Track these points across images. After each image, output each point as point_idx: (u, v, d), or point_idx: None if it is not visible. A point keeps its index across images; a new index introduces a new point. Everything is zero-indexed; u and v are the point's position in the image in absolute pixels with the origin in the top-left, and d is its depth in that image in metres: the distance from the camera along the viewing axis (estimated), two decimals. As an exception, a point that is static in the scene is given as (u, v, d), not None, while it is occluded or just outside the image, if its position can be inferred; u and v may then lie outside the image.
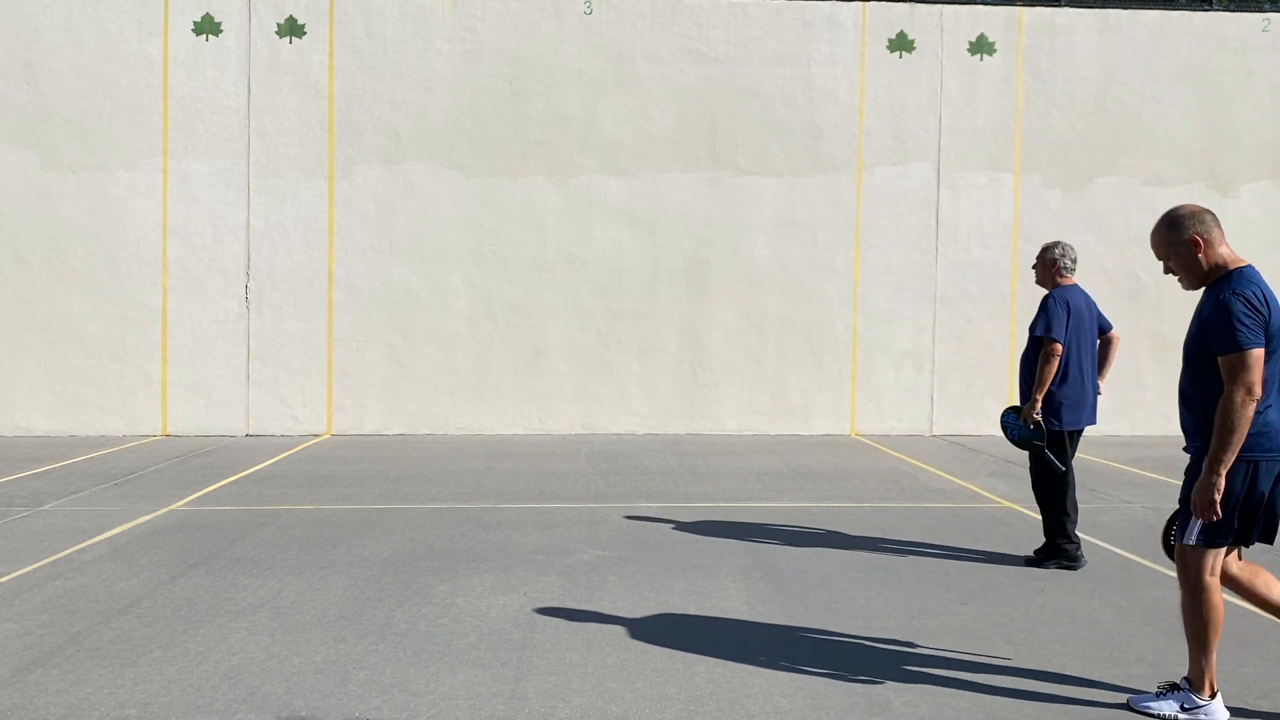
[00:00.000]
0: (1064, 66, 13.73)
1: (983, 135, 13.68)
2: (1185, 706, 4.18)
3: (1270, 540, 4.19)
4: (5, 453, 11.30)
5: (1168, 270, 4.26)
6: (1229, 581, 4.27)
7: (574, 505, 8.56)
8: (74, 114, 12.79)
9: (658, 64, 13.38)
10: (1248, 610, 5.71)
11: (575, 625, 5.33)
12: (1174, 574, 6.47)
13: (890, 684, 4.55)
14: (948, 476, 10.32)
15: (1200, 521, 4.07)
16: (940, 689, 4.50)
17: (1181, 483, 4.25)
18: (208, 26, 12.94)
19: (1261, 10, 14.09)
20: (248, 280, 13.02)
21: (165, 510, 8.24)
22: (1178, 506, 4.26)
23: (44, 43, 12.76)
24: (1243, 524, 4.11)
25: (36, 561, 6.54)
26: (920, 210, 13.63)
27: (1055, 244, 6.69)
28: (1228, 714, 4.19)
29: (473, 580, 6.19)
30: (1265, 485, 4.07)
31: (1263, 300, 4.01)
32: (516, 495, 9.03)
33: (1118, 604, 5.83)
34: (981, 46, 13.65)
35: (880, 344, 13.63)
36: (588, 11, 13.32)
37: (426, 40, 13.17)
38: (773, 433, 13.51)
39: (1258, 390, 3.94)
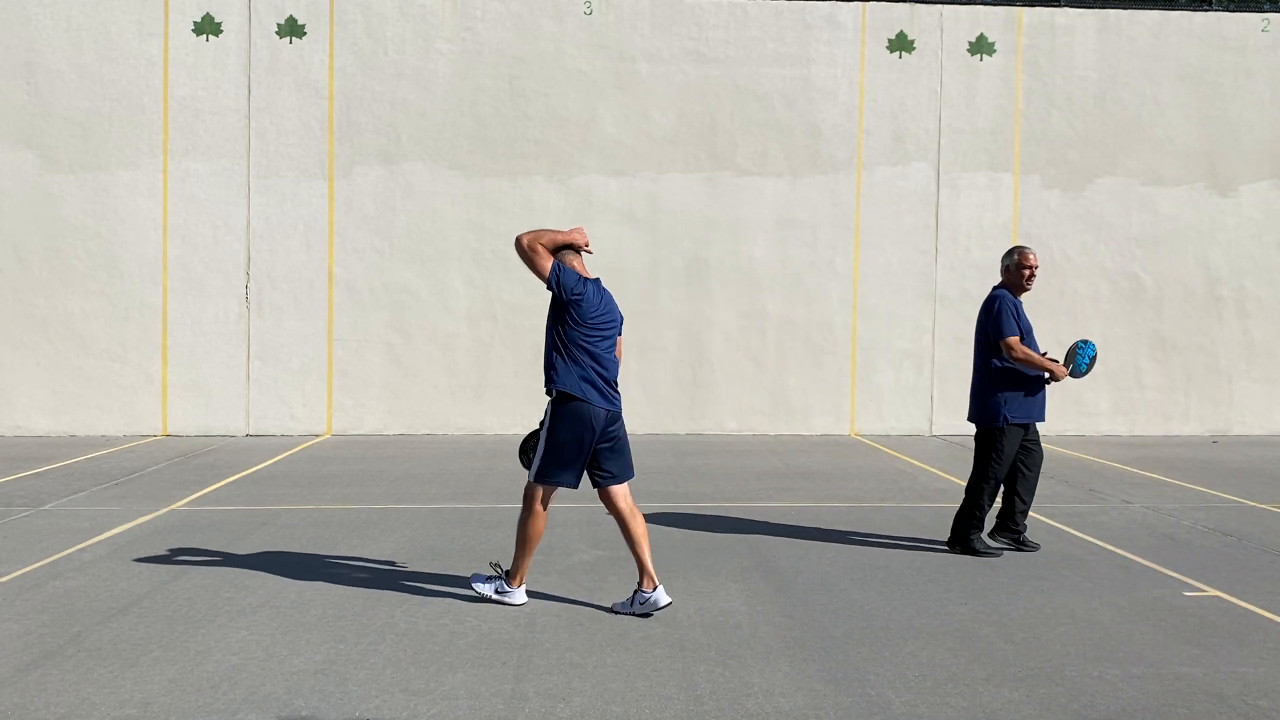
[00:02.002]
0: (1064, 66, 13.73)
1: (982, 135, 13.68)
2: (498, 590, 5.59)
3: (606, 483, 5.50)
4: (5, 453, 11.30)
5: None
6: (616, 513, 5.54)
7: (574, 505, 8.56)
8: (74, 114, 12.79)
9: (658, 64, 13.38)
10: (1248, 610, 5.71)
11: (575, 625, 5.33)
12: (1175, 574, 6.48)
13: (890, 684, 4.55)
14: (947, 476, 10.32)
15: (540, 464, 5.44)
16: (940, 689, 4.50)
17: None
18: (208, 26, 12.94)
19: (1261, 10, 14.09)
20: (248, 280, 13.02)
21: (165, 510, 8.24)
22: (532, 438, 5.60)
23: (44, 43, 12.76)
24: (571, 467, 5.43)
25: (36, 561, 6.54)
26: (920, 210, 13.64)
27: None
28: (525, 598, 5.59)
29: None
30: (589, 435, 5.38)
31: (581, 292, 5.59)
32: (516, 495, 9.01)
33: (1118, 604, 5.83)
34: (981, 47, 13.65)
35: (880, 344, 13.63)
36: (588, 12, 13.32)
37: (426, 40, 13.17)
38: (773, 433, 13.51)
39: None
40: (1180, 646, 5.10)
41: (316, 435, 13.04)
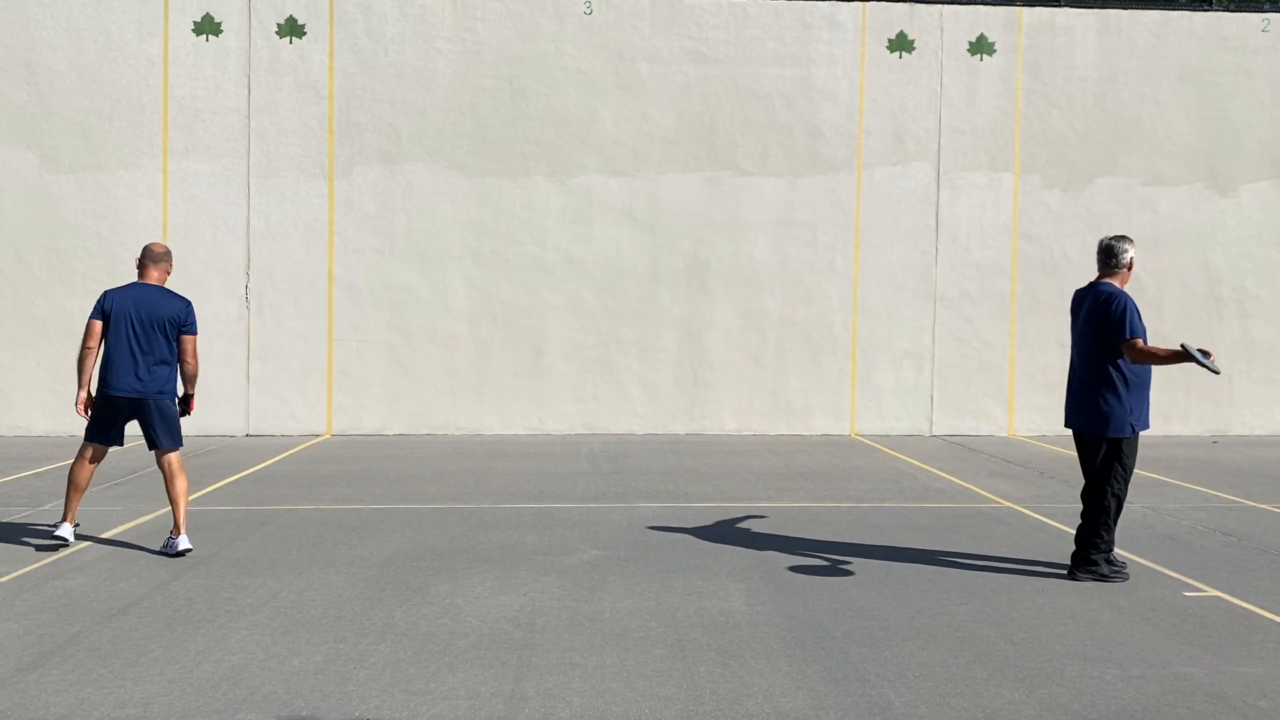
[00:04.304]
0: (1064, 66, 13.73)
1: (983, 135, 13.68)
2: (55, 532, 6.78)
3: (151, 447, 6.82)
4: (5, 453, 11.30)
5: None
6: (161, 470, 6.84)
7: (574, 505, 8.57)
8: (74, 114, 12.79)
9: (658, 64, 13.38)
10: (1248, 610, 5.72)
11: (575, 625, 5.33)
12: (1175, 574, 6.48)
13: (890, 684, 4.55)
14: (948, 476, 10.32)
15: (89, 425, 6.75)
16: (940, 689, 4.50)
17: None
18: (208, 26, 12.94)
19: (1261, 10, 14.09)
20: (248, 280, 13.02)
21: (165, 510, 8.23)
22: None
23: (44, 43, 12.76)
24: (102, 431, 6.75)
25: (36, 561, 6.54)
26: (920, 210, 13.64)
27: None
28: (71, 532, 6.78)
29: (473, 580, 6.19)
30: (110, 410, 6.66)
31: (110, 299, 6.67)
32: (516, 495, 9.03)
33: (1118, 604, 5.83)
34: (981, 46, 13.65)
35: (880, 344, 13.63)
36: (588, 11, 13.32)
37: (426, 40, 13.17)
38: (773, 433, 13.51)
39: (89, 343, 6.61)
40: (1180, 646, 5.10)
41: (316, 435, 13.04)
